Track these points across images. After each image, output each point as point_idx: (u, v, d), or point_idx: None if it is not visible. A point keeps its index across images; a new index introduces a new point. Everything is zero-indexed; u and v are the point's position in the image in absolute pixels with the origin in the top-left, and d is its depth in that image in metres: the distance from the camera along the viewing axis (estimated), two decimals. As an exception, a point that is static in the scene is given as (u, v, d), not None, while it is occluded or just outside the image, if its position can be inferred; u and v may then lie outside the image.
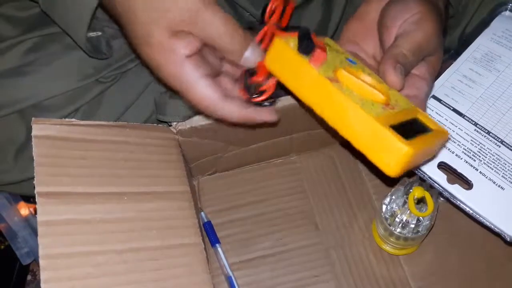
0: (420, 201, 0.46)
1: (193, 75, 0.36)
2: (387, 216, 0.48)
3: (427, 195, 0.45)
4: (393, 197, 0.48)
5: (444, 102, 0.46)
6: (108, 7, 0.38)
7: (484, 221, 0.42)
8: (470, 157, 0.44)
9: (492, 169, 0.43)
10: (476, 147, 0.44)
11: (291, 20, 0.54)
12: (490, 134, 0.44)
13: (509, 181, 0.42)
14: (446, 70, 0.48)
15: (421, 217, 0.47)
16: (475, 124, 0.45)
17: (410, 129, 0.33)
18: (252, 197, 0.55)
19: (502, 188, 0.42)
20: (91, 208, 0.38)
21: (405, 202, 0.46)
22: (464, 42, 0.50)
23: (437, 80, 0.48)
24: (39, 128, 0.40)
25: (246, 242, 0.52)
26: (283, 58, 0.35)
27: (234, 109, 0.38)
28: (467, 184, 0.43)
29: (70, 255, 0.36)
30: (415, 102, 0.39)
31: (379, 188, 0.55)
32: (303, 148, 0.57)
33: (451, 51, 0.56)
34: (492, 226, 0.42)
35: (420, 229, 0.47)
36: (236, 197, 0.55)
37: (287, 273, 0.50)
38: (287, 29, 0.39)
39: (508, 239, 0.41)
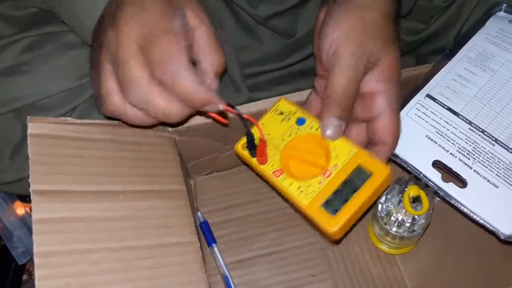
0: (416, 200, 0.47)
1: (179, 28, 0.36)
2: (383, 215, 0.48)
3: (423, 194, 0.45)
4: (389, 196, 0.48)
5: (439, 101, 0.47)
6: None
7: (479, 219, 0.42)
8: (464, 156, 0.44)
9: (487, 167, 0.43)
10: (471, 145, 0.44)
11: (289, 21, 0.54)
12: (485, 132, 0.44)
13: (503, 179, 0.42)
14: (441, 70, 0.48)
15: (416, 216, 0.47)
16: (470, 123, 0.45)
17: (345, 192, 0.38)
18: (248, 196, 0.55)
19: (496, 186, 0.42)
20: (87, 206, 0.38)
21: (400, 201, 0.47)
22: (459, 42, 0.50)
23: (432, 80, 0.48)
24: (35, 127, 0.40)
25: (242, 241, 0.52)
26: (243, 159, 0.44)
27: (193, 78, 0.35)
28: (461, 182, 0.43)
29: (65, 252, 0.36)
30: (380, 123, 0.40)
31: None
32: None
33: (445, 51, 0.57)
34: (487, 224, 0.42)
35: (415, 228, 0.47)
36: (233, 197, 0.55)
37: (283, 273, 0.50)
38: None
39: (502, 237, 0.41)
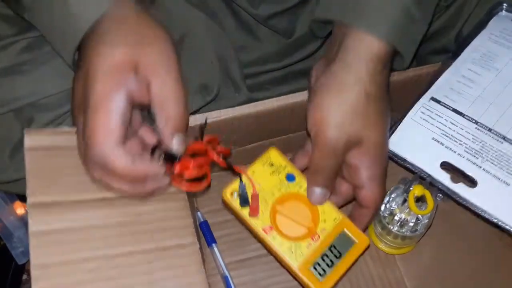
0: (420, 199, 0.47)
1: (116, 103, 0.35)
2: (386, 215, 0.48)
3: (427, 193, 0.45)
4: (392, 195, 0.48)
5: (444, 103, 0.47)
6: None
7: (491, 218, 0.42)
8: (472, 155, 0.44)
9: (496, 165, 0.43)
10: (478, 144, 0.44)
11: (288, 21, 0.54)
12: (492, 131, 0.44)
13: None
14: (445, 72, 0.48)
15: (420, 216, 0.47)
16: (476, 122, 0.45)
17: (331, 257, 0.42)
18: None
19: (507, 184, 0.42)
20: (83, 215, 0.38)
21: (404, 201, 0.46)
22: (462, 43, 0.50)
23: (436, 82, 0.48)
24: (31, 140, 0.40)
25: (242, 241, 0.52)
26: (230, 208, 0.44)
27: (123, 160, 0.35)
28: (471, 182, 0.43)
29: (62, 263, 0.36)
30: (362, 192, 0.43)
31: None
32: (300, 148, 0.57)
33: (449, 53, 0.56)
34: (500, 223, 0.41)
35: (418, 228, 0.47)
36: (233, 197, 0.55)
37: (283, 273, 0.50)
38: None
39: None
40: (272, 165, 0.45)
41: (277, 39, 0.55)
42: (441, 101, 0.47)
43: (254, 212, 0.43)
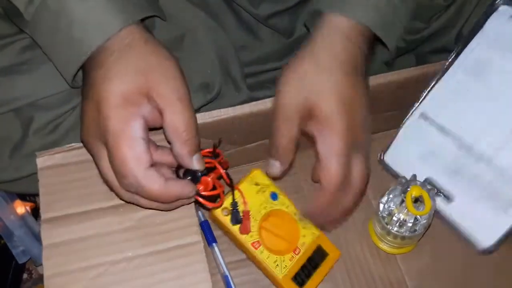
0: (418, 200, 0.47)
1: (136, 132, 0.36)
2: (385, 215, 0.48)
3: (425, 194, 0.45)
4: (391, 196, 0.48)
5: (431, 120, 0.48)
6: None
7: (461, 232, 0.46)
8: (451, 173, 0.46)
9: (470, 184, 0.45)
10: (458, 165, 0.46)
11: (289, 20, 0.54)
12: (471, 151, 0.45)
13: (484, 195, 0.44)
14: (437, 84, 0.48)
15: (418, 216, 0.47)
16: (458, 141, 0.46)
17: (310, 267, 0.48)
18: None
19: (478, 202, 0.45)
20: (90, 224, 0.40)
21: (402, 201, 0.47)
22: (458, 51, 0.48)
23: (427, 97, 0.49)
24: (43, 161, 0.43)
25: (242, 241, 0.52)
26: (220, 224, 0.47)
27: (157, 182, 0.36)
28: (448, 197, 0.46)
29: (71, 272, 0.38)
30: (320, 165, 0.40)
31: (375, 187, 0.55)
32: (300, 147, 0.57)
33: (449, 53, 0.56)
34: (468, 237, 0.46)
35: (417, 228, 0.47)
36: (233, 196, 0.55)
37: (283, 272, 0.50)
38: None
39: (480, 249, 0.46)
40: (257, 184, 0.49)
41: (278, 38, 0.55)
42: (429, 118, 0.48)
43: (245, 230, 0.47)
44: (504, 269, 0.50)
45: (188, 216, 0.41)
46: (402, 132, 0.50)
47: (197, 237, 0.40)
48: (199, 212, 0.53)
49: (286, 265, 0.47)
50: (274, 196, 0.49)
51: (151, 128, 0.39)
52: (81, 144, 0.43)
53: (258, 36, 0.55)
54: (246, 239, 0.47)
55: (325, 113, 0.39)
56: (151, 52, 0.38)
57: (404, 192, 0.46)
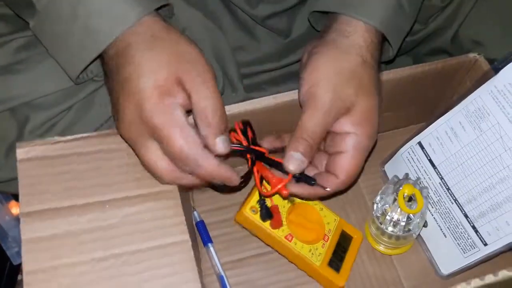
0: (411, 199, 0.47)
1: (181, 120, 0.37)
2: (378, 215, 0.48)
3: (417, 192, 0.45)
4: (383, 195, 0.48)
5: (425, 151, 0.50)
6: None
7: (429, 255, 0.51)
8: (430, 204, 0.50)
9: (442, 219, 0.49)
10: (437, 197, 0.50)
11: (286, 21, 0.54)
12: (449, 190, 0.48)
13: (451, 232, 0.49)
14: (439, 119, 0.49)
15: (411, 215, 0.47)
16: (441, 178, 0.49)
17: (340, 252, 0.49)
18: (245, 196, 0.55)
19: (445, 235, 0.49)
20: (73, 220, 0.39)
21: (395, 200, 0.47)
22: (464, 93, 0.48)
23: (428, 128, 0.50)
24: (24, 152, 0.41)
25: (238, 241, 0.52)
26: (251, 223, 0.47)
27: (212, 162, 0.38)
28: (424, 223, 0.50)
29: (53, 268, 0.37)
30: (339, 158, 0.42)
31: (371, 189, 0.56)
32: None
33: (446, 54, 0.56)
34: (433, 261, 0.50)
35: (411, 228, 0.47)
36: (229, 197, 0.55)
37: (279, 273, 0.50)
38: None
39: (440, 274, 0.49)
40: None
41: (275, 39, 0.55)
42: (424, 148, 0.50)
43: (278, 224, 0.47)
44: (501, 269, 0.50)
45: (176, 214, 0.41)
46: (401, 150, 0.53)
47: (185, 236, 0.40)
48: (195, 212, 0.53)
49: (320, 253, 0.48)
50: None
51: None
52: (66, 138, 0.42)
53: (255, 36, 0.55)
54: (279, 234, 0.47)
55: (362, 111, 0.42)
56: (176, 41, 0.39)
57: (397, 191, 0.46)
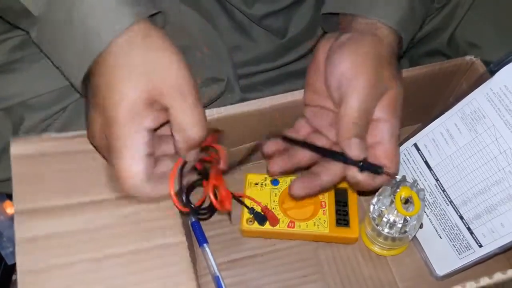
0: (407, 201, 0.47)
1: (138, 150, 0.36)
2: (375, 216, 0.48)
3: (414, 195, 0.45)
4: (380, 197, 0.48)
5: (421, 153, 0.51)
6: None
7: (424, 255, 0.51)
8: (426, 205, 0.50)
9: (438, 220, 0.50)
10: (432, 198, 0.50)
11: (282, 21, 0.54)
12: (445, 192, 0.49)
13: (446, 234, 0.49)
14: (435, 121, 0.49)
15: (408, 217, 0.47)
16: (437, 180, 0.50)
17: (342, 207, 0.51)
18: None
19: (440, 237, 0.49)
20: (68, 220, 0.39)
21: (392, 202, 0.47)
22: (460, 94, 0.48)
23: (423, 129, 0.50)
24: (18, 147, 0.41)
25: (234, 242, 0.52)
26: (255, 232, 0.51)
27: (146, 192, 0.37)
28: (421, 223, 0.50)
29: (48, 268, 0.36)
30: (381, 147, 0.41)
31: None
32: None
33: (442, 56, 0.57)
34: (428, 262, 0.50)
35: (407, 229, 0.47)
36: (225, 197, 0.55)
37: (275, 273, 0.50)
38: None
39: (435, 275, 0.49)
40: (256, 184, 0.53)
41: (271, 39, 0.55)
42: (420, 150, 0.51)
43: (274, 221, 0.50)
44: (495, 270, 0.50)
45: (172, 215, 0.41)
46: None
47: (181, 237, 0.40)
48: (191, 212, 0.53)
49: (324, 220, 0.50)
50: (275, 182, 0.53)
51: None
52: (62, 135, 0.42)
53: (251, 36, 0.55)
54: (282, 227, 0.50)
55: (395, 95, 0.42)
56: (151, 48, 0.37)
57: (394, 193, 0.46)
